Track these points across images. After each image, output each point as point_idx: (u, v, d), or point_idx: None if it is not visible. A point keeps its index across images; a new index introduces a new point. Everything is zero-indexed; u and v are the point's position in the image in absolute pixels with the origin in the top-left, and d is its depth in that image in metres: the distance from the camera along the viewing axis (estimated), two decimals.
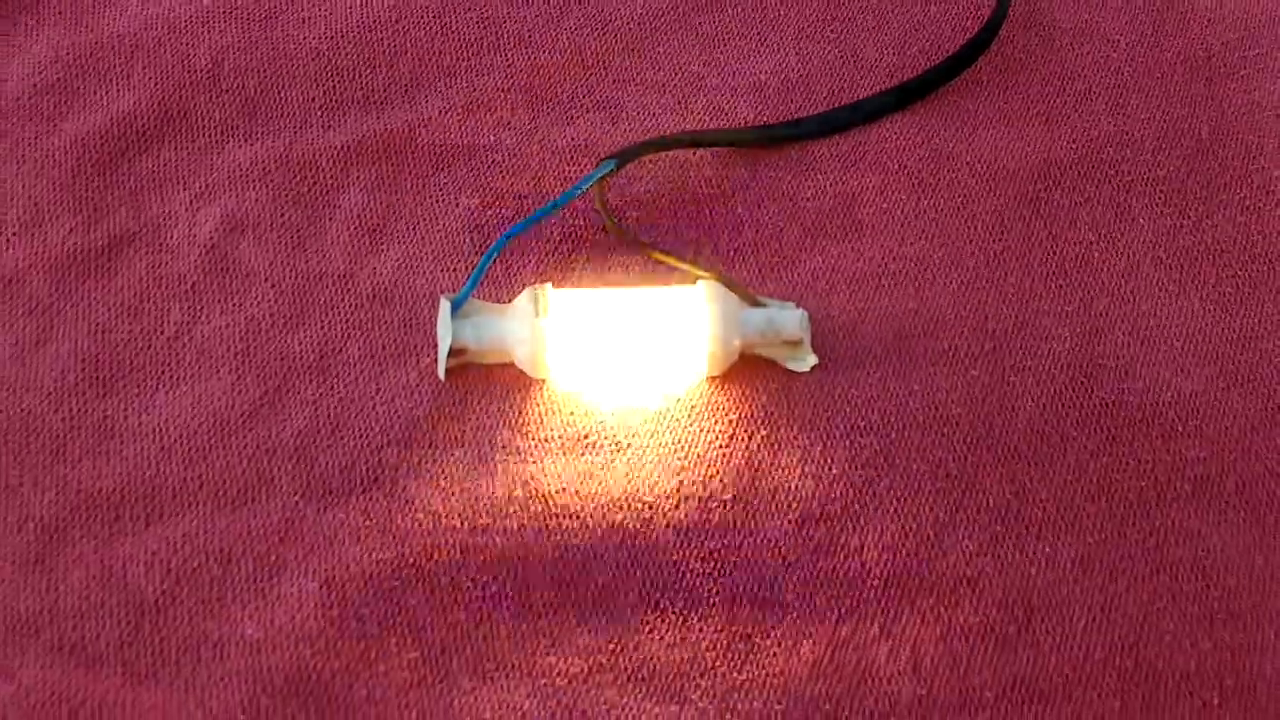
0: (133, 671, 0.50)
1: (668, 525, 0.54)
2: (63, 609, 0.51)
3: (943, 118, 0.66)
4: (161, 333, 0.58)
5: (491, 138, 0.64)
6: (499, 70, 0.66)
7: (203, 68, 0.65)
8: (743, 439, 0.56)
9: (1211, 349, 0.59)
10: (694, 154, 0.64)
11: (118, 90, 0.64)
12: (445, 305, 0.56)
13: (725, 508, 0.54)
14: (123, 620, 0.51)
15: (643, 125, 0.65)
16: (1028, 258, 0.61)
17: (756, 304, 0.57)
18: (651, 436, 0.56)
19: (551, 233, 0.60)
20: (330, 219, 0.61)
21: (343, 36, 0.66)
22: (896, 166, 0.64)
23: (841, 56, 0.67)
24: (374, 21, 0.67)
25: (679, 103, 0.66)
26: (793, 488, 0.55)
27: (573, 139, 0.64)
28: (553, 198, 0.60)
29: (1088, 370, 0.58)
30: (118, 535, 0.53)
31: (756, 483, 0.55)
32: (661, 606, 0.52)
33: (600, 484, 0.55)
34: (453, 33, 0.67)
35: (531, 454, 0.55)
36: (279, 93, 0.65)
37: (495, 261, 0.57)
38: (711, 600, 0.52)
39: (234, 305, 0.59)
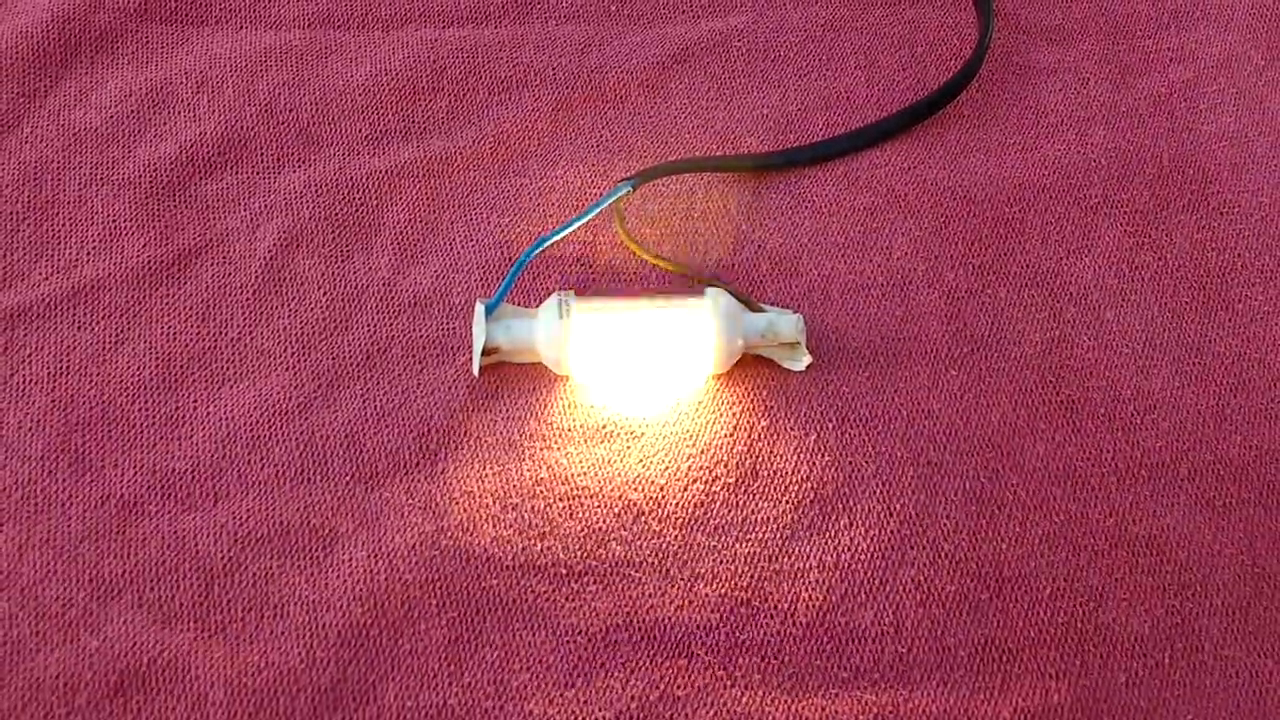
0: (204, 628, 0.56)
1: (677, 504, 0.60)
2: (141, 574, 0.58)
3: (927, 147, 0.73)
4: (226, 335, 0.65)
5: (520, 164, 0.71)
6: (527, 105, 0.73)
7: (261, 101, 0.72)
8: (744, 430, 0.62)
9: (1168, 352, 0.65)
10: (703, 177, 0.70)
11: (186, 121, 0.71)
12: (480, 309, 0.62)
13: (728, 490, 0.61)
14: (194, 583, 0.57)
15: (656, 154, 0.71)
16: (1003, 272, 0.68)
17: (758, 309, 0.64)
18: (663, 427, 0.63)
19: (575, 246, 0.67)
20: (375, 235, 0.68)
21: (386, 74, 0.73)
22: (885, 190, 0.71)
23: (835, 93, 0.74)
24: (414, 61, 0.74)
25: (690, 134, 0.72)
26: (789, 473, 0.61)
27: (593, 165, 0.71)
28: (575, 216, 0.67)
29: (1056, 371, 0.65)
30: (188, 510, 0.59)
31: (756, 468, 0.61)
32: (671, 574, 0.59)
33: (617, 468, 0.61)
34: (485, 71, 0.74)
35: (556, 442, 0.62)
36: (329, 124, 0.72)
37: (524, 270, 0.64)
38: (715, 570, 0.59)
39: (290, 311, 0.65)
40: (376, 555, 0.58)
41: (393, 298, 0.66)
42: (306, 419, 0.62)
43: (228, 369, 0.64)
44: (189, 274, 0.66)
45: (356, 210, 0.69)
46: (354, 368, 0.64)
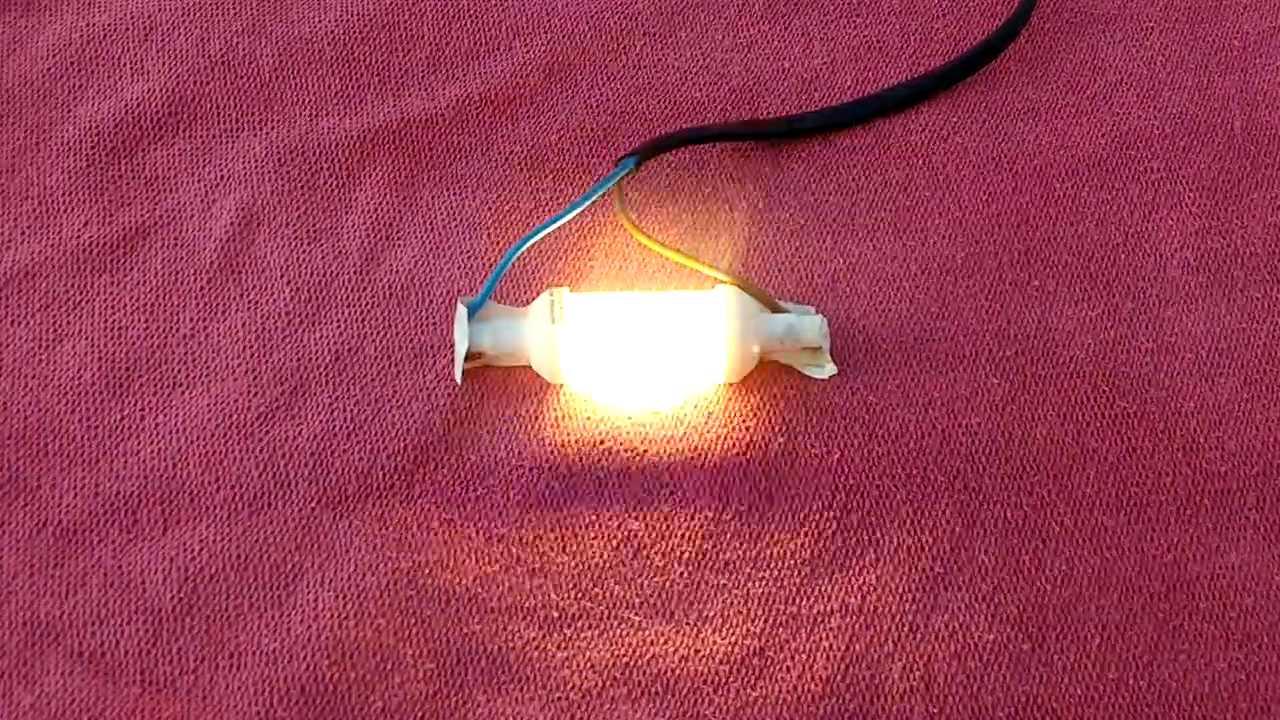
0: (151, 680, 0.50)
1: (683, 535, 0.54)
2: (81, 616, 0.51)
3: (968, 110, 0.65)
4: (177, 330, 0.58)
5: (509, 127, 0.63)
6: (518, 56, 0.65)
7: (216, 52, 0.64)
8: (759, 448, 0.56)
9: (1237, 358, 0.58)
10: (714, 147, 0.63)
11: (131, 76, 0.63)
12: (462, 309, 0.55)
13: (740, 518, 0.54)
14: (141, 628, 0.51)
15: (663, 114, 0.64)
16: (1052, 259, 0.61)
17: (776, 309, 0.57)
18: (667, 443, 0.56)
19: (569, 233, 0.59)
20: (346, 212, 0.61)
21: (358, 20, 0.65)
22: (920, 161, 0.63)
23: (866, 45, 0.66)
24: (390, 4, 0.66)
25: (701, 91, 0.64)
26: (809, 498, 0.55)
27: (592, 129, 0.63)
28: (571, 196, 0.59)
29: (1110, 379, 0.58)
30: (135, 540, 0.53)
31: (772, 493, 0.55)
32: (676, 618, 0.52)
33: (616, 492, 0.55)
34: (470, 16, 0.66)
35: (547, 460, 0.55)
36: (294, 79, 0.64)
37: (513, 264, 0.57)
38: (726, 613, 0.52)
39: (249, 303, 0.58)
40: (345, 596, 0.52)
41: (366, 288, 0.59)
42: (267, 432, 0.55)
43: (179, 371, 0.57)
44: (135, 257, 0.59)
45: (325, 183, 0.61)
46: (321, 371, 0.57)
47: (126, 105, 0.62)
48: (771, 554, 0.54)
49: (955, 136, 0.64)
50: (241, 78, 0.64)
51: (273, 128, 0.62)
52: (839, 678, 0.51)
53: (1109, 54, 0.66)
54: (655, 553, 0.54)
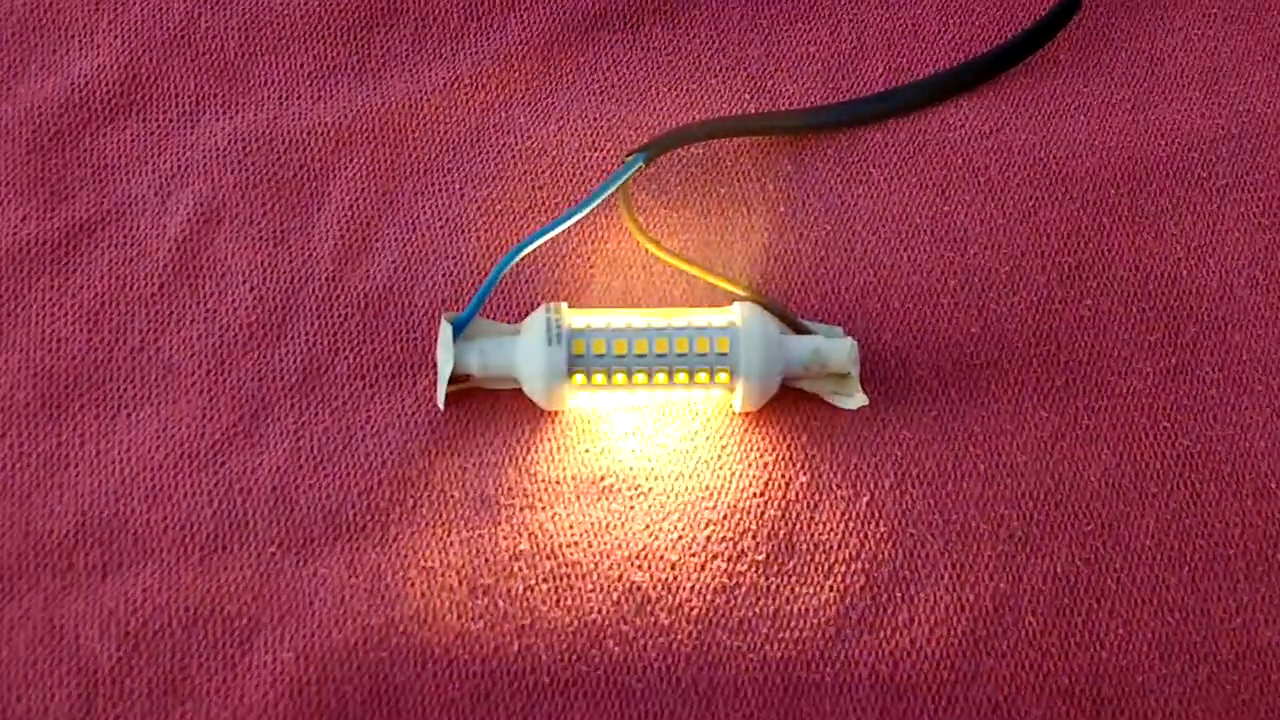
0: None
1: (692, 589, 0.48)
2: (6, 676, 0.45)
3: (1013, 103, 0.58)
4: (124, 343, 0.51)
5: (503, 115, 0.56)
6: (513, 34, 0.58)
7: (176, 25, 0.57)
8: (779, 487, 0.49)
9: None
10: (731, 142, 0.56)
11: (79, 50, 0.56)
12: (446, 326, 0.49)
13: (757, 570, 0.48)
14: (74, 693, 0.45)
15: (675, 104, 0.57)
16: (1106, 275, 0.54)
17: (800, 329, 0.51)
18: (676, 481, 0.49)
19: (568, 239, 0.53)
20: (318, 209, 0.54)
21: None
22: (960, 161, 0.56)
23: (899, 28, 0.59)
24: None
25: (717, 78, 0.58)
26: (834, 547, 0.49)
27: (595, 119, 0.56)
28: (573, 197, 0.53)
29: (1171, 413, 0.51)
30: (69, 588, 0.46)
31: (793, 540, 0.49)
32: (683, 686, 0.46)
33: (617, 537, 0.48)
34: None
35: (541, 499, 0.49)
36: (261, 57, 0.57)
37: (504, 276, 0.50)
38: (740, 679, 0.46)
39: (207, 312, 0.52)
40: (308, 656, 0.46)
41: (338, 296, 0.52)
42: (223, 463, 0.49)
43: (125, 391, 0.50)
44: (78, 258, 0.52)
45: (294, 176, 0.54)
46: (286, 393, 0.50)
47: (72, 83, 0.56)
48: (792, 612, 0.47)
49: (999, 133, 0.57)
50: (203, 54, 0.57)
51: (237, 112, 0.56)
52: None
53: (1169, 43, 0.60)
54: (661, 609, 0.47)
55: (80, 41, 0.57)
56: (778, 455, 0.50)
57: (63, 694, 0.45)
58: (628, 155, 0.52)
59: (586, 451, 0.50)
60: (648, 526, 0.49)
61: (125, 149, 0.55)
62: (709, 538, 0.49)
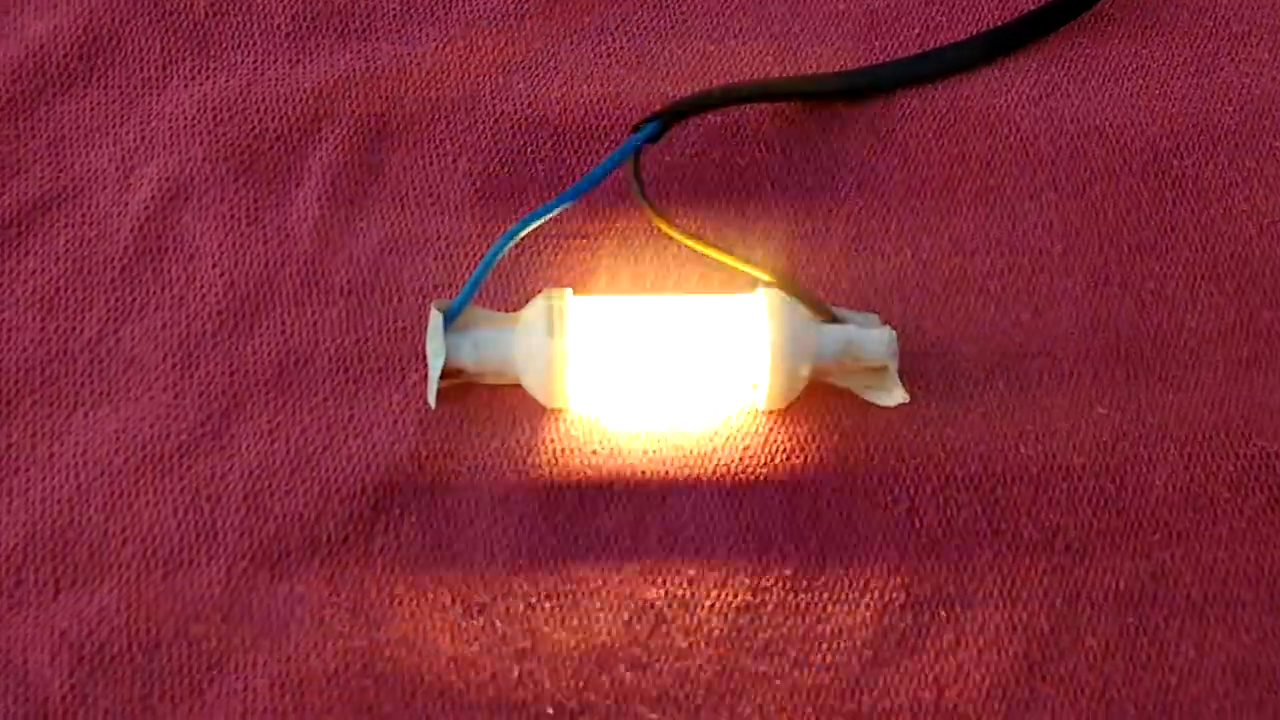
0: None
1: (712, 607, 0.43)
2: None
3: (1063, 66, 0.53)
4: (81, 333, 0.46)
5: (500, 80, 0.52)
6: None
7: None
8: (808, 494, 0.45)
9: None
10: (753, 109, 0.51)
11: (35, 10, 0.52)
12: (437, 316, 0.44)
13: (784, 586, 0.43)
14: None
15: (690, 69, 0.53)
16: (1170, 255, 0.49)
17: (831, 318, 0.46)
18: (693, 487, 0.45)
19: (572, 219, 0.48)
20: (297, 185, 0.49)
21: None
22: (1006, 129, 0.52)
23: None
24: None
25: (737, 39, 0.53)
26: (871, 561, 0.44)
27: (603, 85, 0.52)
28: (577, 171, 0.48)
29: (1244, 411, 0.47)
30: (18, 608, 0.42)
31: (825, 553, 0.44)
32: (703, 716, 0.41)
33: (628, 549, 0.44)
34: None
35: (542, 506, 0.44)
36: (234, 16, 0.53)
37: (500, 259, 0.45)
38: (766, 710, 0.41)
39: (173, 299, 0.47)
40: (283, 683, 0.41)
41: (318, 281, 0.48)
42: (189, 467, 0.44)
43: (82, 386, 0.45)
44: (32, 239, 0.48)
45: (270, 147, 0.50)
46: (260, 388, 0.46)
47: (27, 47, 0.51)
48: (824, 633, 0.43)
49: (1048, 100, 0.52)
50: (169, 14, 0.53)
51: (207, 78, 0.51)
52: None
53: None
54: (677, 630, 0.43)
55: (35, 3, 0.52)
56: (807, 458, 0.45)
57: None
58: (638, 125, 0.48)
59: (593, 454, 0.45)
60: (662, 538, 0.44)
61: (84, 119, 0.51)
62: (730, 549, 0.44)
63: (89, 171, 0.49)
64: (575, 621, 0.43)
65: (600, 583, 0.43)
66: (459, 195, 0.49)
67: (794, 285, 0.45)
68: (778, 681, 0.42)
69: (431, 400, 0.44)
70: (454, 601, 0.43)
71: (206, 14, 0.52)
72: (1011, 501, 0.45)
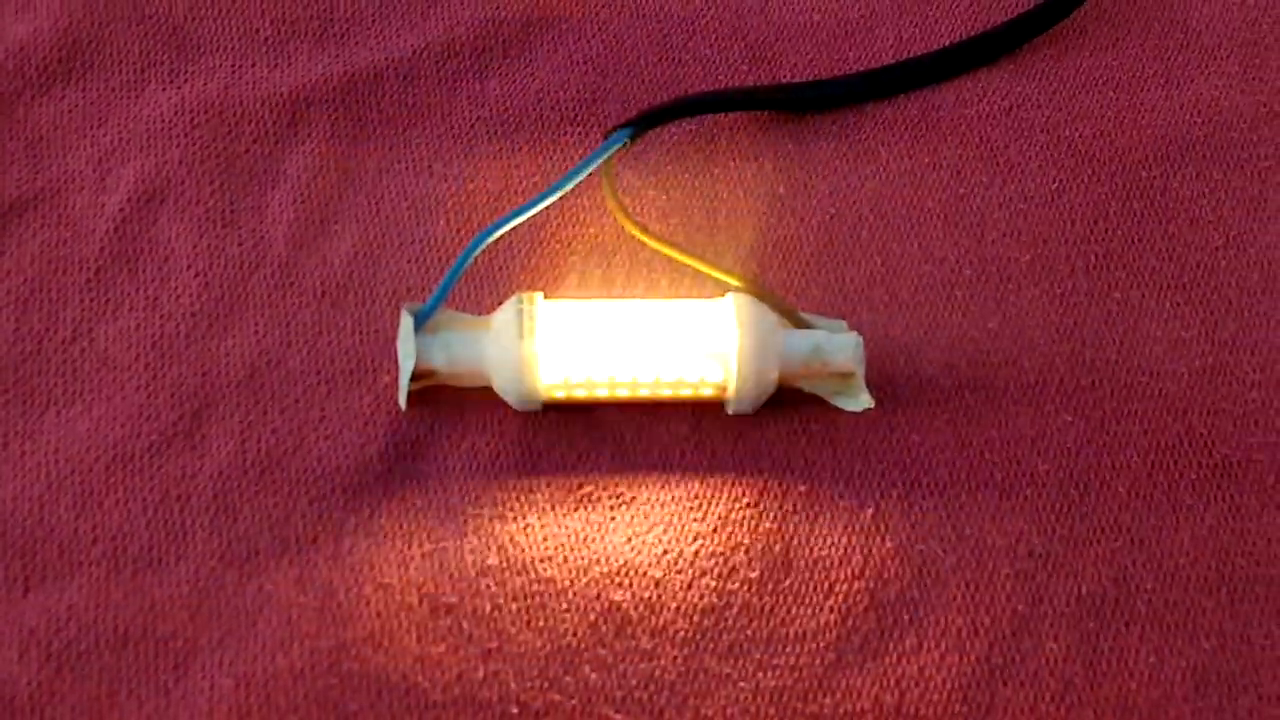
0: None
1: (677, 610, 0.43)
2: None
3: (1035, 78, 0.54)
4: (55, 333, 0.46)
5: (476, 86, 0.52)
6: None
7: None
8: (775, 497, 0.45)
9: None
10: (727, 116, 0.51)
11: (14, 12, 0.52)
12: (407, 319, 0.44)
13: (750, 589, 0.43)
14: None
15: (665, 75, 0.52)
16: (1137, 265, 0.50)
17: (800, 323, 0.46)
18: (661, 490, 0.45)
19: (544, 222, 0.48)
20: (272, 188, 0.49)
21: None
22: (977, 139, 0.52)
23: None
24: None
25: (713, 46, 0.53)
26: (836, 564, 0.44)
27: (579, 90, 0.52)
28: (551, 175, 0.48)
29: (1207, 418, 0.47)
30: None
31: (790, 556, 0.44)
32: (667, 716, 0.42)
33: (596, 551, 0.44)
34: None
35: (511, 509, 0.44)
36: (213, 21, 0.53)
37: (472, 262, 0.45)
38: (729, 711, 0.42)
39: (147, 300, 0.47)
40: (250, 682, 0.41)
41: (292, 283, 0.48)
42: (160, 466, 0.44)
43: (54, 386, 0.46)
44: (8, 239, 0.48)
45: (246, 150, 0.50)
46: (231, 389, 0.46)
47: (6, 49, 0.51)
48: (788, 636, 0.43)
49: (1019, 110, 0.53)
50: (148, 17, 0.52)
51: (185, 80, 0.51)
52: None
53: (1206, 13, 0.55)
54: (643, 631, 0.43)
55: (15, 4, 0.52)
56: (774, 462, 0.45)
57: None
58: (611, 130, 0.48)
59: (562, 456, 0.45)
60: (629, 540, 0.44)
61: (61, 120, 0.50)
62: (697, 552, 0.44)
63: (66, 173, 0.49)
64: (541, 622, 0.43)
65: (567, 584, 0.43)
66: (432, 199, 0.49)
67: (763, 290, 0.45)
68: (741, 683, 0.42)
69: (402, 402, 0.44)
70: (421, 602, 0.43)
71: (185, 17, 0.52)
72: (976, 508, 0.45)
